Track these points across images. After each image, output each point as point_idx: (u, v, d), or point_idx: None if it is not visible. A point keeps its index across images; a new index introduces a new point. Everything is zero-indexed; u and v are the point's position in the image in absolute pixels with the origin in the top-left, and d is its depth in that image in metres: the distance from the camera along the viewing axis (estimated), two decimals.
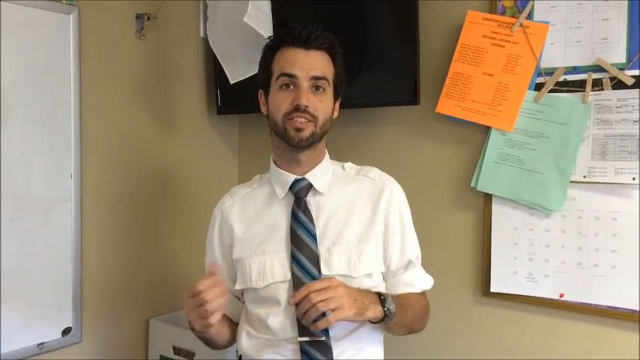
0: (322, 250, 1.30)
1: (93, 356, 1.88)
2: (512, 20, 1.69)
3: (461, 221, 1.82)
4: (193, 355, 1.88)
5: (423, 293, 1.42)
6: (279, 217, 1.35)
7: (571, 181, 1.62)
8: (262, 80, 1.37)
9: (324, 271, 1.28)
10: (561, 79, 1.64)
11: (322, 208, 1.35)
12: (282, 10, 1.86)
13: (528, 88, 1.67)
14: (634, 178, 1.54)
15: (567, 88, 1.63)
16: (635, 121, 1.54)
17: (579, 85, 1.61)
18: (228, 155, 2.34)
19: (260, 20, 1.75)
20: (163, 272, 2.09)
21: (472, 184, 1.76)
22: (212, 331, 1.29)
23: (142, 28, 1.96)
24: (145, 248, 2.03)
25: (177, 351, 1.93)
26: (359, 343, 1.32)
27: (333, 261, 1.30)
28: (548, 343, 1.69)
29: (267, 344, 1.32)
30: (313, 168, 1.36)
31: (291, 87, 1.29)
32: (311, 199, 1.35)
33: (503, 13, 1.71)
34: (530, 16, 1.67)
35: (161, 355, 1.97)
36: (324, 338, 1.26)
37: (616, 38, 1.56)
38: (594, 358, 1.62)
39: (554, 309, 1.67)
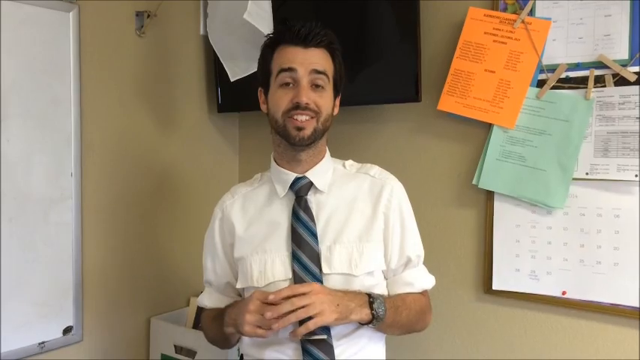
0: (323, 248, 1.30)
1: (94, 355, 1.88)
2: (513, 17, 1.68)
3: (462, 219, 1.82)
4: (195, 353, 1.88)
5: (423, 293, 1.41)
6: (280, 215, 1.35)
7: (573, 178, 1.62)
8: (261, 78, 1.36)
9: (325, 269, 1.28)
10: (563, 75, 1.63)
11: (323, 207, 1.34)
12: (283, 7, 1.85)
13: (530, 85, 1.67)
14: (636, 175, 1.54)
15: (569, 85, 1.63)
16: (637, 118, 1.53)
17: (581, 82, 1.60)
18: (229, 153, 2.33)
19: (260, 18, 1.74)
20: (164, 271, 2.08)
21: (474, 182, 1.76)
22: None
23: (142, 26, 1.96)
24: (146, 247, 2.02)
25: (178, 350, 1.93)
26: (361, 341, 1.31)
27: (334, 259, 1.29)
28: (551, 340, 1.69)
29: (269, 343, 1.31)
30: (314, 166, 1.36)
31: (291, 85, 1.28)
32: (312, 198, 1.35)
33: (504, 10, 1.71)
34: (532, 13, 1.66)
35: (162, 354, 1.97)
36: (325, 337, 1.25)
37: (618, 34, 1.55)
38: (597, 355, 1.62)
39: (557, 306, 1.67)
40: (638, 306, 1.54)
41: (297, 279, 1.28)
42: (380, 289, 1.33)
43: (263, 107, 1.38)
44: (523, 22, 1.67)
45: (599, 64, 1.57)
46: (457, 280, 1.83)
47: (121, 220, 1.94)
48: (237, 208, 1.41)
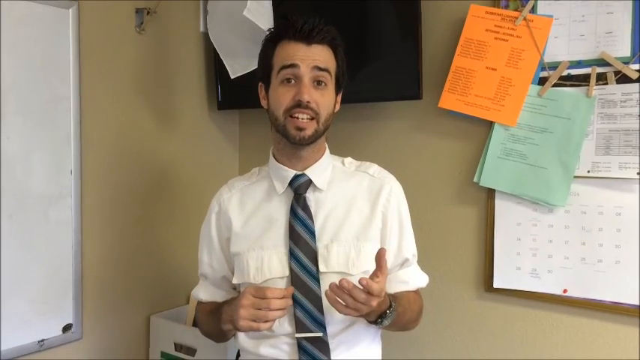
0: (320, 246, 1.30)
1: (94, 353, 1.88)
2: (515, 14, 1.67)
3: (463, 217, 1.81)
4: (195, 351, 1.88)
5: (417, 292, 1.41)
6: (278, 212, 1.34)
7: (575, 176, 1.61)
8: (262, 73, 1.35)
9: (322, 267, 1.28)
10: (565, 73, 1.62)
11: (321, 205, 1.34)
12: (283, 4, 1.84)
13: (532, 83, 1.66)
14: (638, 173, 1.53)
15: (571, 83, 1.62)
16: (639, 116, 1.52)
17: (583, 80, 1.60)
18: (229, 151, 2.33)
19: (260, 14, 1.74)
20: (164, 268, 2.08)
21: (475, 180, 1.75)
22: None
23: (142, 23, 1.95)
24: (146, 244, 2.02)
25: (178, 347, 1.92)
26: (356, 338, 1.32)
27: (332, 258, 1.29)
28: (552, 338, 1.68)
29: (264, 338, 1.31)
30: (313, 163, 1.35)
31: (293, 81, 1.27)
32: (310, 195, 1.34)
33: (506, 7, 1.70)
34: (533, 10, 1.66)
35: (162, 352, 1.97)
36: (321, 334, 1.26)
37: (620, 32, 1.55)
38: (598, 353, 1.62)
39: (558, 305, 1.66)
40: (639, 304, 1.54)
41: (294, 276, 1.27)
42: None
43: (263, 102, 1.37)
44: (525, 19, 1.66)
45: (601, 62, 1.57)
46: (458, 278, 1.83)
47: (120, 218, 1.93)
48: (235, 203, 1.40)
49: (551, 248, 1.66)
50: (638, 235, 1.54)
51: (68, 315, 1.78)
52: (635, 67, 1.53)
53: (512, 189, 1.70)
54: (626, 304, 1.56)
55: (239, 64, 1.86)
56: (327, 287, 1.16)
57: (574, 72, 1.61)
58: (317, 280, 1.27)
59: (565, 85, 1.63)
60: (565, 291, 1.64)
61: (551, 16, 1.63)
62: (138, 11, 1.94)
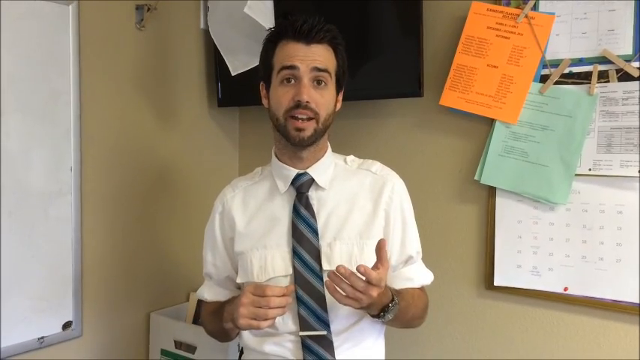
0: (323, 244, 1.29)
1: (93, 350, 1.87)
2: (517, 11, 1.67)
3: (464, 214, 1.81)
4: (195, 349, 1.88)
5: (422, 289, 1.41)
6: (281, 211, 1.34)
7: (576, 174, 1.61)
8: (263, 73, 1.35)
9: (325, 265, 1.28)
10: (567, 70, 1.62)
11: (324, 203, 1.34)
12: (284, 1, 1.84)
13: (533, 80, 1.66)
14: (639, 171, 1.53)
15: (573, 80, 1.62)
16: None
17: (585, 77, 1.60)
18: (229, 148, 2.32)
19: (261, 12, 1.73)
20: (164, 265, 2.08)
21: (476, 177, 1.75)
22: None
23: (142, 19, 1.94)
24: (146, 241, 2.02)
25: (178, 345, 1.92)
26: (360, 335, 1.31)
27: (335, 256, 1.29)
28: (552, 337, 1.68)
29: (269, 336, 1.32)
30: (315, 162, 1.35)
31: (292, 81, 1.27)
32: (312, 194, 1.34)
33: (508, 4, 1.70)
34: (535, 7, 1.65)
35: (162, 349, 1.97)
36: (324, 333, 1.26)
37: (622, 30, 1.54)
38: (598, 351, 1.62)
39: (558, 303, 1.66)
40: (639, 302, 1.54)
41: (297, 275, 1.27)
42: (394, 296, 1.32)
43: (264, 102, 1.37)
44: (526, 16, 1.65)
45: (603, 60, 1.57)
46: (458, 276, 1.83)
47: (120, 215, 1.93)
48: (238, 202, 1.40)
49: (552, 246, 1.66)
50: (639, 233, 1.54)
51: (68, 312, 1.78)
52: (637, 64, 1.52)
53: (513, 187, 1.69)
54: (626, 302, 1.56)
55: (240, 61, 1.86)
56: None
57: (575, 70, 1.61)
58: (320, 279, 1.26)
59: (567, 83, 1.62)
60: (566, 289, 1.64)
61: (552, 14, 1.63)
62: (138, 8, 1.93)
